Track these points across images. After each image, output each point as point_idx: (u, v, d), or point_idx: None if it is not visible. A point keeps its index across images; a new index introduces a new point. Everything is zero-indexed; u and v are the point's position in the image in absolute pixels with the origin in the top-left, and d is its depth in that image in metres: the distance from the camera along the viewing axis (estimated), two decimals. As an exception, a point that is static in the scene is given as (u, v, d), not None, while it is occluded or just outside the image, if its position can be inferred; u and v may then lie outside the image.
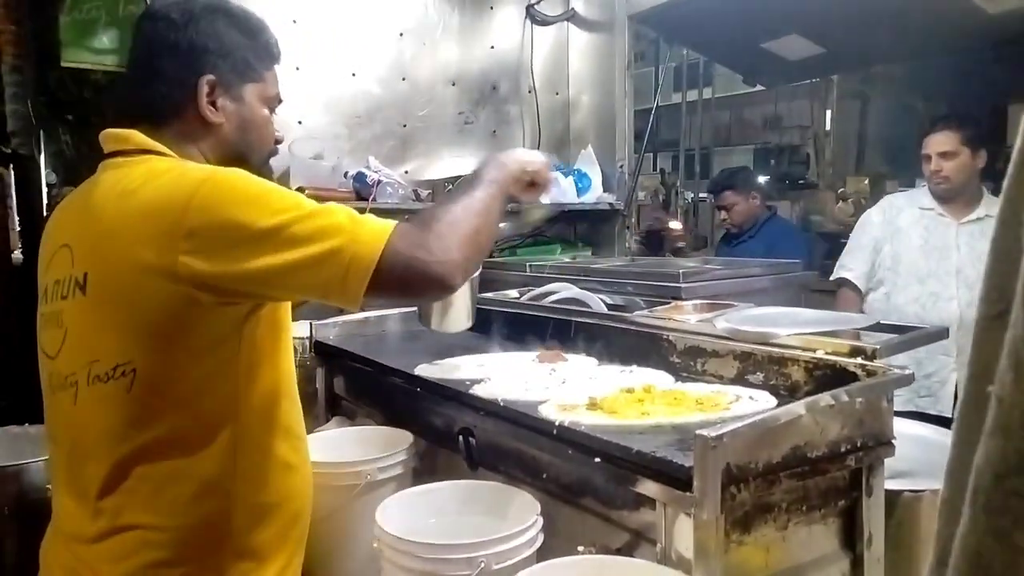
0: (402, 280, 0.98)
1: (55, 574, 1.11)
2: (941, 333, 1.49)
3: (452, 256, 1.00)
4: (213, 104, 1.12)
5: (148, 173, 1.03)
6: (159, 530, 1.02)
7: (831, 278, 2.79)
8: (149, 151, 1.08)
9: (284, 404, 1.14)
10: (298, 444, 1.18)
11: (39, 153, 3.78)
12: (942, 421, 1.92)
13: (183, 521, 1.03)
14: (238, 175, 1.01)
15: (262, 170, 1.21)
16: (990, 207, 2.51)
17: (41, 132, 3.83)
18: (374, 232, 0.98)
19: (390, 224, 1.00)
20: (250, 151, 1.19)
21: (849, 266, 2.72)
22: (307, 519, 1.21)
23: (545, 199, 1.29)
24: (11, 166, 3.56)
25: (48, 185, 4.14)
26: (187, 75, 1.10)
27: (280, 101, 1.24)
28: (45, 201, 3.87)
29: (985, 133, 2.55)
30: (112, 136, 1.11)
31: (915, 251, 2.57)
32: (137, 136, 1.09)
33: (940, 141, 2.50)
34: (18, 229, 3.74)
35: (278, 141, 1.25)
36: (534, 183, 1.29)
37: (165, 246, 0.95)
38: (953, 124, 2.50)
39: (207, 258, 0.95)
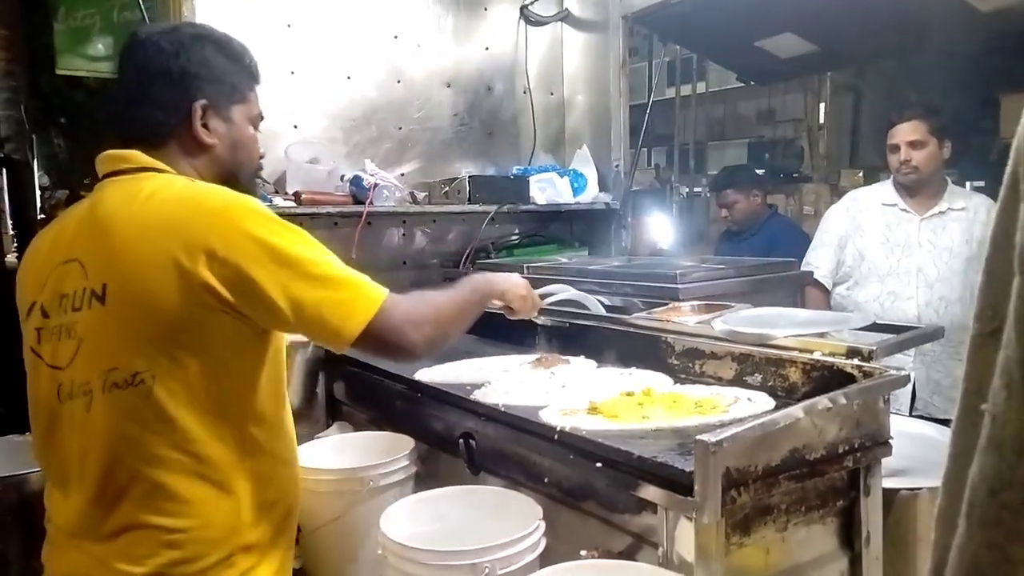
0: (384, 340, 1.10)
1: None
2: (936, 333, 1.50)
3: (427, 335, 1.14)
4: (206, 126, 1.18)
5: (160, 187, 1.09)
6: (176, 532, 1.06)
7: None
8: (151, 168, 1.13)
9: (280, 404, 1.20)
10: (289, 442, 1.23)
11: (32, 157, 3.77)
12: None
13: (198, 522, 1.07)
14: (262, 205, 1.10)
15: (249, 186, 1.28)
16: (953, 200, 2.49)
17: (34, 136, 3.82)
18: (372, 293, 1.10)
19: (385, 290, 1.12)
20: (240, 169, 1.25)
21: (814, 263, 2.67)
22: (297, 513, 1.27)
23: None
24: (4, 170, 3.55)
25: (41, 188, 4.12)
26: (181, 100, 1.16)
27: (262, 118, 1.30)
28: (39, 204, 3.86)
29: (951, 124, 2.49)
30: (112, 157, 1.15)
31: (877, 248, 2.54)
32: (139, 156, 1.14)
33: (909, 130, 2.47)
34: (12, 232, 3.73)
35: (261, 157, 1.33)
36: (511, 307, 1.58)
37: (187, 260, 1.01)
38: (921, 114, 2.47)
39: (226, 276, 1.01)
